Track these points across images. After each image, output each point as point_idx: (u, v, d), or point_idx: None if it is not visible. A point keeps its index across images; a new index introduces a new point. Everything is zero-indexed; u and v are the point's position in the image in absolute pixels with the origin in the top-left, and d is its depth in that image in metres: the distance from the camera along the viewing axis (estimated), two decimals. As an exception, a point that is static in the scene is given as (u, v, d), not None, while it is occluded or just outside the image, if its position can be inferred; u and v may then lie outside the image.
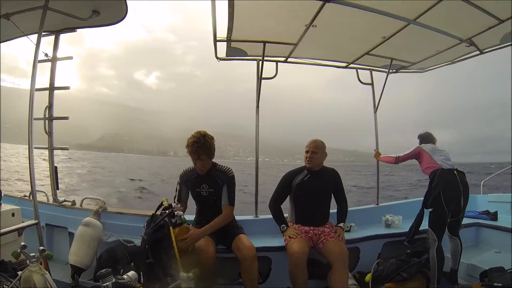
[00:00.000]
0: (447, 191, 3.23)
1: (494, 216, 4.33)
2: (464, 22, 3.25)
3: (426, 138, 3.88)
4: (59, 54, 3.54)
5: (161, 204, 2.93)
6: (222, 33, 3.36)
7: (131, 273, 1.87)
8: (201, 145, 2.99)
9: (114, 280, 1.76)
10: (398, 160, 3.93)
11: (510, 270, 3.08)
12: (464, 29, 3.42)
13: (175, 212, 2.78)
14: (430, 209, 3.30)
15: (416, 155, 3.73)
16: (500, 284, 2.83)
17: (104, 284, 1.72)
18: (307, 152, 3.37)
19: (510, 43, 3.66)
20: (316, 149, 3.35)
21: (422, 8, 2.93)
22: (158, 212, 2.92)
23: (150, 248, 2.68)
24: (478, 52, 3.90)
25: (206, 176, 3.17)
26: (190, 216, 3.23)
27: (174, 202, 3.00)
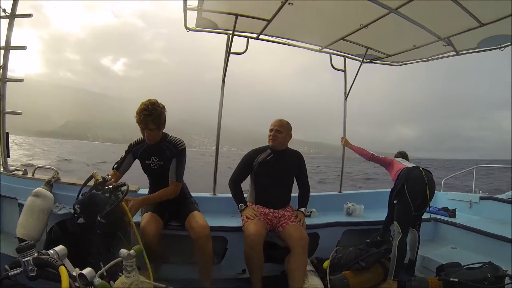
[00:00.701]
0: (410, 184, 3.18)
1: (452, 213, 4.34)
2: (445, 20, 3.18)
3: (403, 154, 3.89)
4: (17, 34, 3.19)
5: (91, 177, 2.60)
6: (194, 2, 3.10)
7: (59, 248, 1.61)
8: (150, 113, 2.72)
9: (36, 255, 1.49)
10: (372, 158, 3.86)
11: (466, 266, 3.04)
12: (444, 27, 3.35)
13: (120, 184, 2.53)
14: (395, 201, 3.25)
15: (388, 163, 3.72)
16: (456, 280, 2.79)
17: (23, 259, 1.46)
18: (271, 130, 3.20)
19: (487, 48, 3.68)
20: (281, 128, 3.19)
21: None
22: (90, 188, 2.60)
23: (105, 230, 2.39)
24: (454, 52, 3.88)
25: (156, 147, 2.93)
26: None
27: (108, 175, 2.70)
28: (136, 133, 3.01)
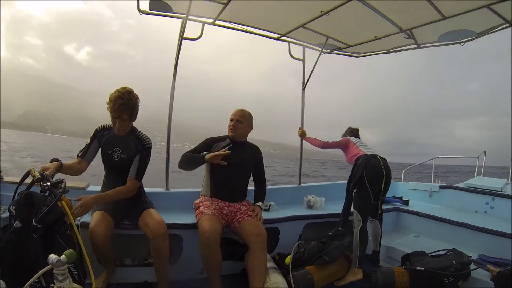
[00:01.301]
0: (369, 172, 3.11)
1: (406, 202, 4.37)
2: (408, 11, 3.09)
3: (354, 133, 3.90)
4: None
5: (27, 174, 2.26)
6: None
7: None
8: (125, 102, 2.48)
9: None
10: (325, 145, 3.84)
11: (430, 254, 2.98)
12: (406, 19, 3.26)
13: (57, 181, 2.16)
14: (354, 190, 3.14)
15: (344, 145, 3.69)
16: (422, 268, 2.68)
17: None
18: (231, 120, 2.99)
19: (447, 42, 3.64)
20: (242, 119, 2.98)
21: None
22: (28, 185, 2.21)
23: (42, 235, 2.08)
24: (415, 45, 3.82)
25: (122, 139, 2.66)
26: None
27: (46, 172, 2.27)
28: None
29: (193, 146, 3.05)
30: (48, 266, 1.48)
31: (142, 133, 2.74)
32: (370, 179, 3.08)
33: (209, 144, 3.01)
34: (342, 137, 3.88)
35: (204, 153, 2.85)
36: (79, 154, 2.66)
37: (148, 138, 2.74)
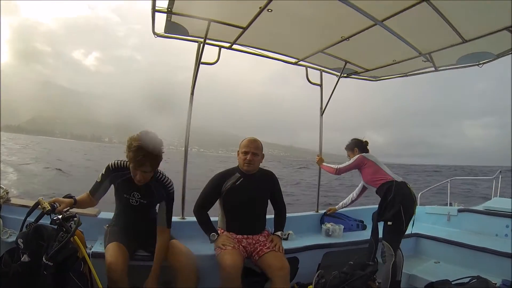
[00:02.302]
0: (406, 205, 3.00)
1: (364, 227, 4.06)
2: (428, 35, 3.04)
3: (364, 146, 3.61)
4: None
5: (37, 205, 2.16)
6: (164, 3, 2.72)
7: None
8: (148, 154, 2.27)
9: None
10: (339, 171, 3.59)
11: (454, 282, 2.88)
12: (426, 43, 3.21)
13: (69, 215, 2.09)
14: (390, 223, 2.99)
15: (359, 164, 3.42)
16: None
17: None
18: (245, 153, 2.80)
19: (465, 64, 3.56)
20: (257, 151, 2.83)
21: (391, 11, 2.61)
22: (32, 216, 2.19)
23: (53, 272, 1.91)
24: (433, 68, 3.74)
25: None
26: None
27: (55, 204, 2.20)
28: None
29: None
30: None
31: (163, 175, 2.53)
32: (406, 211, 2.99)
33: (217, 185, 2.84)
34: (347, 149, 3.64)
35: (213, 235, 2.74)
36: (90, 191, 2.52)
37: (171, 182, 2.55)
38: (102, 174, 2.49)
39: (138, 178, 2.36)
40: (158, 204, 2.56)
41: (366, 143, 3.63)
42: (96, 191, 2.50)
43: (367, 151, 3.56)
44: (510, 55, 3.28)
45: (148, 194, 2.50)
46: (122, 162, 2.48)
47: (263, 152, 2.91)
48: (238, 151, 2.89)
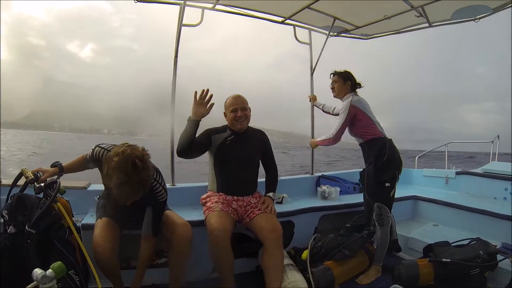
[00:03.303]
0: (400, 167, 2.85)
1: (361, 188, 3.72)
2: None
3: (355, 84, 3.05)
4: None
5: (20, 175, 2.09)
6: None
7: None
8: (133, 183, 1.80)
9: None
10: (335, 138, 3.00)
11: (454, 244, 2.81)
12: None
13: (51, 181, 2.01)
14: (388, 184, 2.79)
15: (352, 118, 2.91)
16: (448, 259, 2.50)
17: None
18: (234, 111, 2.64)
19: (460, 19, 3.42)
20: (245, 104, 2.68)
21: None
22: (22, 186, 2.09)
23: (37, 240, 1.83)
24: (426, 24, 3.58)
25: None
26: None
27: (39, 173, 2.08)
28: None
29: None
30: (33, 283, 1.27)
31: (157, 184, 2.17)
32: (399, 173, 2.85)
33: (208, 133, 2.67)
34: (338, 77, 3.04)
35: (188, 118, 2.41)
36: (86, 155, 2.25)
37: (162, 191, 2.20)
38: (89, 155, 2.18)
39: (124, 196, 1.95)
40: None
41: (359, 85, 3.08)
42: (90, 163, 2.24)
43: (355, 92, 3.05)
44: (507, 9, 3.15)
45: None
46: (112, 147, 2.06)
47: (249, 106, 2.75)
48: (224, 113, 2.74)
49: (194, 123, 2.38)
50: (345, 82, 3.00)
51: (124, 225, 2.33)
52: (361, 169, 3.05)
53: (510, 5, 3.08)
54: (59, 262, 1.31)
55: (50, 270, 1.27)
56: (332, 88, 3.08)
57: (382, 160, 2.81)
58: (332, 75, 3.08)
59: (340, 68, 3.07)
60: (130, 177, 1.76)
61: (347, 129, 2.98)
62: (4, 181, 2.74)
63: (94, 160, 2.12)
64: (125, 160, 1.76)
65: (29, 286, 1.28)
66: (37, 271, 1.26)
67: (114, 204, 2.26)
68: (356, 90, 3.04)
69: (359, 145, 3.02)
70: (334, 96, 3.10)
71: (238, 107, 2.65)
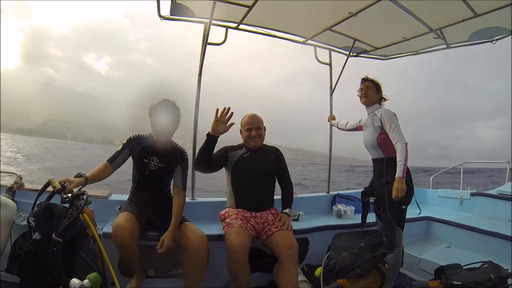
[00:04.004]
0: (413, 190, 2.83)
1: None
2: (438, 9, 2.92)
3: (381, 93, 3.03)
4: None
5: (47, 185, 2.21)
6: None
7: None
8: (170, 115, 2.61)
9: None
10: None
11: (466, 267, 2.79)
12: (437, 18, 3.09)
13: (79, 193, 2.14)
14: (404, 207, 2.79)
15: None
16: (459, 283, 2.51)
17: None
18: (249, 130, 2.82)
19: (477, 41, 3.44)
20: (260, 124, 2.85)
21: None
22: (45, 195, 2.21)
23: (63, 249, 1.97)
24: (444, 46, 3.63)
25: (160, 149, 2.65)
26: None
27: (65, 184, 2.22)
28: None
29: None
30: None
31: (178, 145, 2.77)
32: (412, 194, 2.83)
33: (225, 150, 2.86)
34: (370, 84, 2.97)
35: (207, 134, 2.58)
36: (108, 159, 2.59)
37: (185, 150, 2.77)
38: (123, 143, 2.66)
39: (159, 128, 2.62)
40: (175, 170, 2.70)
41: (384, 98, 3.05)
42: (115, 159, 2.60)
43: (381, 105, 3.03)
44: None
45: (165, 157, 2.66)
46: (141, 134, 2.72)
47: (264, 125, 2.91)
48: (240, 130, 2.90)
49: (213, 139, 2.55)
50: (377, 92, 2.98)
51: (144, 212, 2.58)
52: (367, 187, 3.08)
53: None
54: (95, 273, 1.41)
55: (86, 281, 1.37)
56: (365, 94, 2.98)
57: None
58: (364, 80, 2.99)
59: (356, 86, 3.08)
60: (172, 108, 2.61)
61: (368, 137, 2.95)
62: (27, 186, 2.88)
63: (132, 140, 2.67)
64: (169, 101, 2.64)
65: None
66: (75, 281, 1.36)
67: (136, 204, 2.61)
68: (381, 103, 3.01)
69: (376, 159, 2.95)
70: (363, 102, 3.02)
71: (253, 127, 2.82)
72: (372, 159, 3.01)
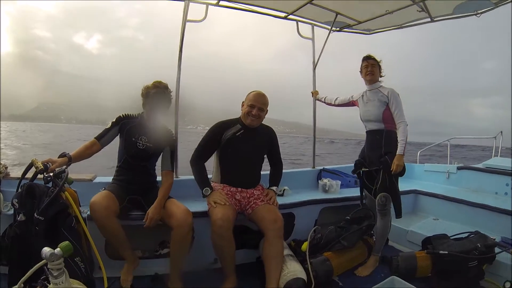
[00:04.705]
0: None
1: None
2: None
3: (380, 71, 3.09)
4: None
5: (30, 166, 2.16)
6: None
7: None
8: (163, 97, 2.64)
9: None
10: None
11: (453, 237, 2.81)
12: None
13: (59, 171, 2.10)
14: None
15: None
16: (446, 252, 2.52)
17: None
18: (252, 106, 2.69)
19: (462, 14, 3.39)
20: (264, 106, 2.73)
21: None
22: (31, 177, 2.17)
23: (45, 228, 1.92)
24: (429, 19, 3.57)
25: (149, 129, 2.64)
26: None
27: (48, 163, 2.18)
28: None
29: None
30: (43, 261, 1.32)
31: (166, 126, 2.79)
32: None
33: (217, 133, 2.75)
34: (371, 84, 3.04)
35: (206, 189, 2.60)
36: (96, 136, 2.56)
37: (172, 132, 2.83)
38: (113, 121, 2.63)
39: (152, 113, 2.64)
40: (162, 153, 2.71)
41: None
42: (104, 136, 2.57)
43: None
44: (509, 3, 3.12)
45: (154, 138, 2.64)
46: (131, 113, 2.71)
47: (267, 108, 2.81)
48: (243, 102, 2.80)
49: (203, 192, 2.62)
50: (379, 69, 3.03)
51: (128, 191, 2.56)
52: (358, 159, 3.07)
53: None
54: (67, 242, 1.36)
55: (58, 249, 1.32)
56: (371, 71, 2.99)
57: (387, 145, 2.87)
58: (368, 58, 3.02)
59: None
60: (165, 90, 2.64)
61: (372, 110, 2.97)
62: (13, 174, 2.81)
63: (122, 118, 2.64)
64: (155, 83, 2.64)
65: (38, 264, 1.32)
66: (46, 249, 1.31)
67: (120, 182, 2.60)
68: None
69: (373, 131, 2.97)
70: (368, 79, 3.03)
71: (257, 105, 2.69)
72: (369, 131, 3.01)
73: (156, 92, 2.58)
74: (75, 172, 2.42)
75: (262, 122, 2.86)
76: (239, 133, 2.72)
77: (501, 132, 5.36)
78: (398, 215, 2.84)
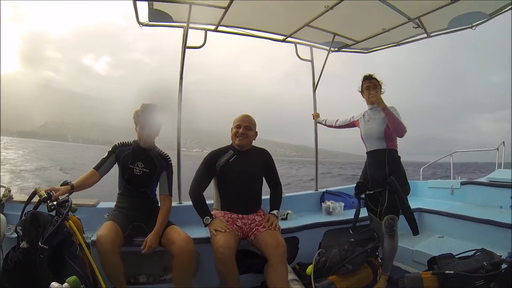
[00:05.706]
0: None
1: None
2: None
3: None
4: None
5: (34, 194, 2.23)
6: None
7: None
8: (151, 116, 2.64)
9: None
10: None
11: (458, 256, 2.77)
12: (414, 7, 3.05)
13: (63, 200, 2.13)
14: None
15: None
16: (452, 272, 2.48)
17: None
18: (238, 127, 2.74)
19: (457, 27, 3.41)
20: (250, 125, 2.76)
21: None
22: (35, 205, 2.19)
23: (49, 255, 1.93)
24: (425, 35, 3.59)
25: (145, 154, 2.69)
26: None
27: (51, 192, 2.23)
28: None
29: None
30: None
31: (162, 150, 2.80)
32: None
33: (211, 162, 2.78)
34: (376, 83, 3.03)
35: (207, 218, 2.62)
36: (95, 166, 2.62)
37: (169, 155, 2.80)
38: (109, 150, 2.69)
39: (146, 133, 2.66)
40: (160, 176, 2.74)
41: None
42: (101, 165, 2.63)
43: None
44: (503, 13, 3.14)
45: (150, 163, 2.69)
46: (125, 141, 2.78)
47: (256, 130, 2.85)
48: (231, 128, 2.84)
49: (203, 221, 2.65)
50: (380, 88, 3.02)
51: (131, 218, 2.60)
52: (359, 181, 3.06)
53: (505, 10, 3.05)
54: (74, 277, 1.38)
55: (66, 284, 1.33)
56: (373, 91, 2.99)
57: (402, 173, 2.85)
58: (370, 78, 3.03)
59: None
60: (153, 112, 2.64)
61: (374, 127, 2.96)
62: (16, 198, 2.85)
63: (118, 146, 2.69)
64: (151, 104, 2.69)
65: None
66: (54, 285, 1.32)
67: (122, 209, 2.63)
68: None
69: (376, 151, 2.95)
70: (370, 100, 3.03)
71: (242, 125, 2.75)
72: (370, 152, 3.00)
73: (143, 112, 2.63)
74: (77, 196, 2.46)
75: (259, 146, 2.90)
76: (232, 158, 2.76)
77: (503, 142, 5.32)
78: (415, 232, 2.80)
